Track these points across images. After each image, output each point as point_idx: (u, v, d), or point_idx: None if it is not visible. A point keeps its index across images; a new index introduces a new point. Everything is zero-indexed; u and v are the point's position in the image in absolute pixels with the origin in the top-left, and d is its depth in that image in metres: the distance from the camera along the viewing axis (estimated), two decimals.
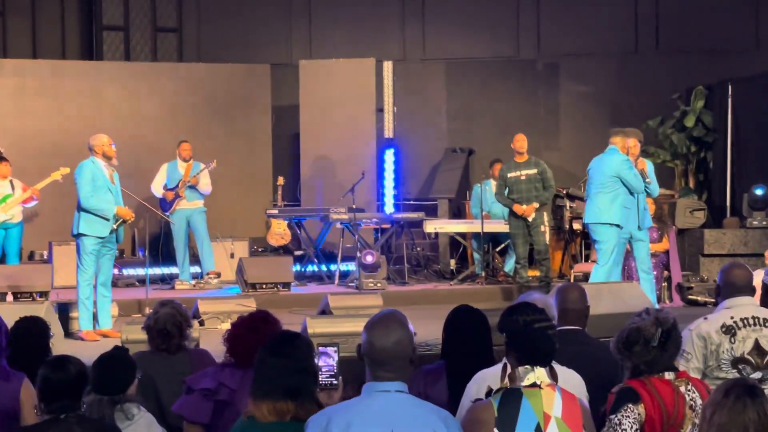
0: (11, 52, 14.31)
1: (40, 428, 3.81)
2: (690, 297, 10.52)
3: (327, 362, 3.75)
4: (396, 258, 12.47)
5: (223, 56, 14.55)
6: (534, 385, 3.45)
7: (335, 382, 3.75)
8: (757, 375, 4.44)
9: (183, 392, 4.46)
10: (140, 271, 11.47)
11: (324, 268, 12.33)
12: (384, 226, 12.78)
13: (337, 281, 11.75)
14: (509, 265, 11.82)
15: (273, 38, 15.11)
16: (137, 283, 11.50)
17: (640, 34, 14.85)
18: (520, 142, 11.30)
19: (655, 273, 9.48)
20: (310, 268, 12.58)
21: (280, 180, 13.16)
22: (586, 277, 10.17)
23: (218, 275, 11.55)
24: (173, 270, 11.97)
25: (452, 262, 12.83)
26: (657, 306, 8.24)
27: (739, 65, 13.80)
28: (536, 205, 11.05)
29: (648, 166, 9.19)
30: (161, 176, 11.72)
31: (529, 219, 11.02)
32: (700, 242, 11.39)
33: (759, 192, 11.64)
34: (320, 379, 3.66)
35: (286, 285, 10.94)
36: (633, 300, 7.47)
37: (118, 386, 4.15)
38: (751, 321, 4.54)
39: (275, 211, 12.73)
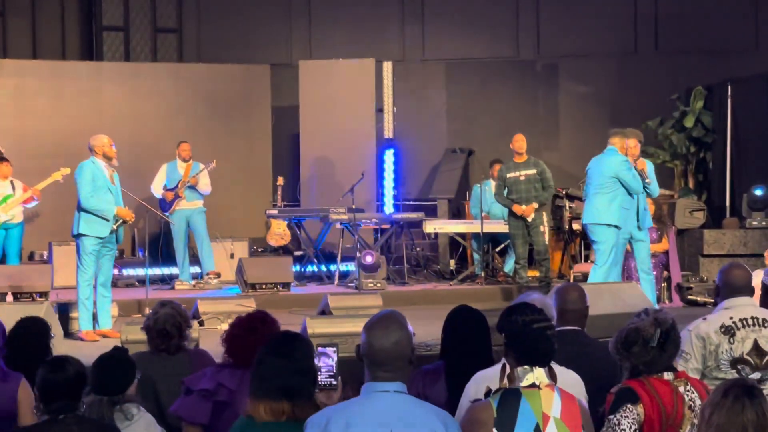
0: (11, 52, 14.30)
1: (40, 428, 3.82)
2: (689, 297, 10.53)
3: (326, 362, 3.75)
4: (396, 258, 12.47)
5: (223, 56, 14.54)
6: (533, 385, 3.45)
7: (334, 382, 3.75)
8: (756, 375, 4.44)
9: (181, 393, 4.45)
10: (140, 272, 11.47)
11: (324, 268, 12.33)
12: (384, 226, 12.78)
13: (336, 281, 11.75)
14: (509, 265, 11.82)
15: (273, 38, 15.10)
16: (137, 283, 11.50)
17: (639, 34, 14.85)
18: (520, 142, 11.29)
19: (654, 273, 9.47)
20: (309, 268, 12.58)
21: (280, 180, 13.16)
22: (585, 277, 10.14)
23: (218, 275, 11.55)
24: (173, 270, 11.97)
25: (452, 262, 12.83)
26: (657, 306, 8.23)
27: (739, 65, 13.80)
28: (535, 205, 11.04)
29: (648, 166, 9.15)
30: (161, 176, 11.72)
31: (529, 219, 11.02)
32: (699, 243, 11.39)
33: (758, 192, 11.64)
34: (319, 379, 3.65)
35: (286, 285, 10.95)
36: (632, 300, 7.46)
37: (118, 387, 4.14)
38: (750, 321, 4.54)
39: (275, 212, 12.73)
